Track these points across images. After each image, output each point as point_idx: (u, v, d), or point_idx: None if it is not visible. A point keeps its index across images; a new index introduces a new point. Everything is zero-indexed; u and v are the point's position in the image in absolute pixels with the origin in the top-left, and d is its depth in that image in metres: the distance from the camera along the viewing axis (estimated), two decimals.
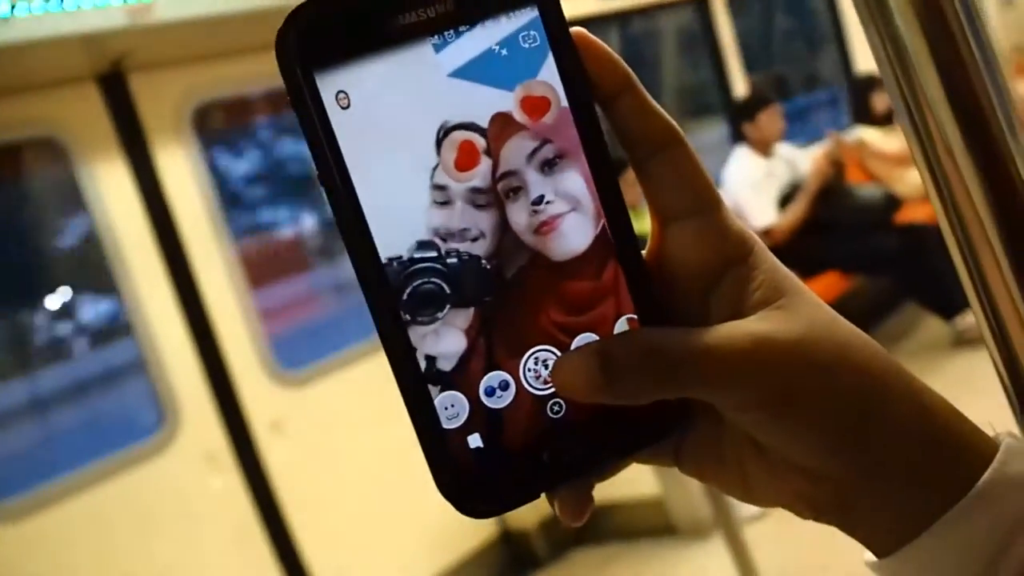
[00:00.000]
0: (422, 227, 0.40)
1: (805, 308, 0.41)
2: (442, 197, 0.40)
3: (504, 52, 0.41)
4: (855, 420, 0.40)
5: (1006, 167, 0.44)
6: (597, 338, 0.42)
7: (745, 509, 3.58)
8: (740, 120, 4.92)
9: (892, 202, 4.81)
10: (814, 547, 3.38)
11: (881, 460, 0.40)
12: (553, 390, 0.42)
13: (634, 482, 3.71)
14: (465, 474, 0.41)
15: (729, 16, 5.59)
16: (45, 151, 3.42)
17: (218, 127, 4.14)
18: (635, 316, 0.42)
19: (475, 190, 0.41)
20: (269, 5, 3.28)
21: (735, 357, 0.39)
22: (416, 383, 0.41)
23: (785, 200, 4.75)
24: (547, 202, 0.41)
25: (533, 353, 0.42)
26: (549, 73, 0.41)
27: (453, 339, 0.41)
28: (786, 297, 0.41)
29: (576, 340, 0.42)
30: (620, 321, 0.42)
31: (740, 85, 5.54)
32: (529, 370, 0.42)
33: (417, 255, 0.40)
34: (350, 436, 3.76)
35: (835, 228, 4.62)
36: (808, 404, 0.39)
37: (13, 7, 2.69)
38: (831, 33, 6.53)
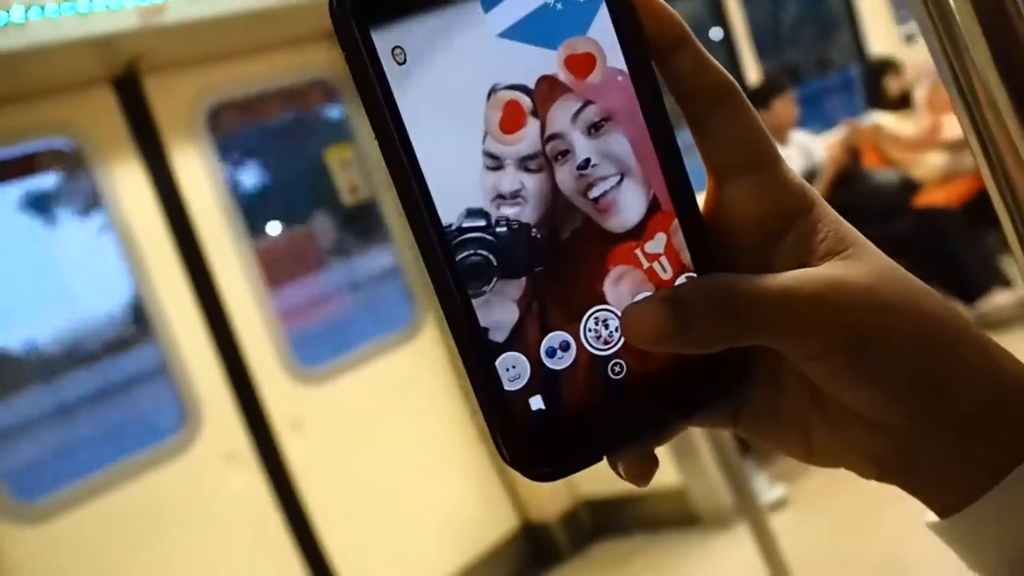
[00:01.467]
0: (475, 190, 0.40)
1: (873, 257, 0.41)
2: (493, 162, 0.40)
3: (555, 9, 0.40)
4: (927, 367, 0.39)
5: None
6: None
7: (768, 496, 3.58)
8: (754, 107, 4.90)
9: (909, 186, 4.78)
10: (839, 535, 3.37)
11: (951, 410, 0.39)
12: (614, 350, 0.41)
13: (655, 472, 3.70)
14: (528, 437, 0.41)
15: (740, 3, 5.56)
16: (60, 154, 3.43)
17: (233, 126, 4.15)
18: (695, 274, 0.42)
19: (525, 154, 0.40)
20: (280, 4, 3.28)
21: (809, 300, 0.38)
22: (477, 345, 0.40)
23: None
24: (593, 165, 0.41)
25: (593, 313, 0.41)
26: (600, 29, 0.41)
27: (506, 306, 0.40)
28: (853, 248, 0.41)
29: (637, 299, 0.41)
30: (680, 279, 0.42)
31: (753, 73, 5.51)
32: (589, 330, 0.41)
33: (466, 224, 0.40)
34: (371, 432, 3.77)
35: (852, 213, 4.50)
36: (881, 348, 0.38)
37: (27, 11, 2.70)
38: (843, 16, 6.49)
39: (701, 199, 0.43)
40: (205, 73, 3.59)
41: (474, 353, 0.40)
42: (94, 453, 3.76)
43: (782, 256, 0.42)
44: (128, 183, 3.34)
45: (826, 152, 4.82)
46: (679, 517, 3.78)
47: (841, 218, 0.42)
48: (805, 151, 4.89)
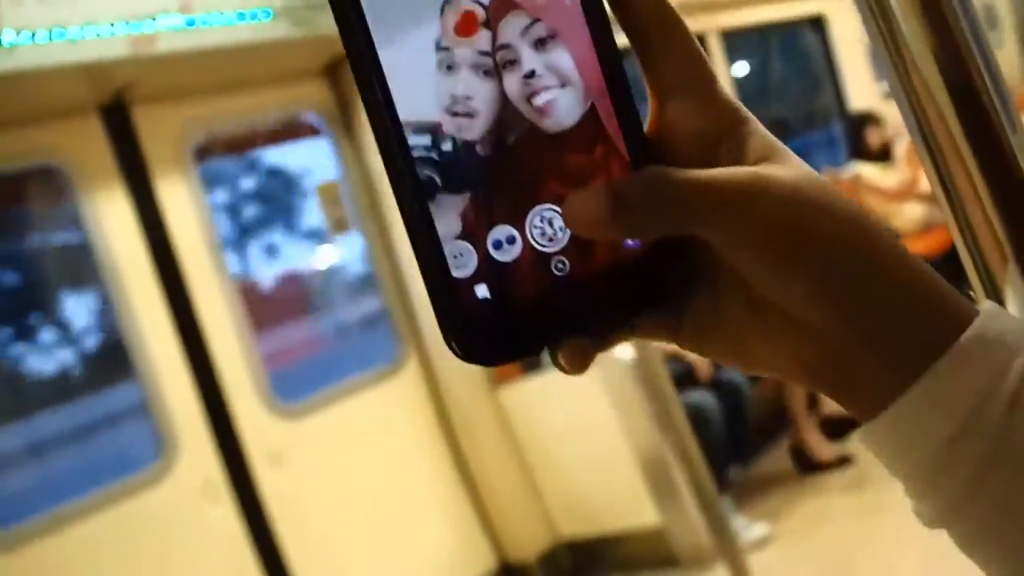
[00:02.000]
0: (431, 92, 0.43)
1: (799, 163, 0.43)
2: (448, 61, 0.43)
3: None
4: (848, 263, 0.41)
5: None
6: None
7: (751, 534, 3.56)
8: None
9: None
10: (821, 572, 3.35)
11: (870, 309, 0.41)
12: (558, 248, 0.44)
13: (634, 513, 3.69)
14: (472, 323, 0.43)
15: (726, 59, 5.67)
16: (47, 179, 3.45)
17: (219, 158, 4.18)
18: None
19: (478, 56, 0.43)
20: (271, 39, 3.33)
21: (738, 190, 0.40)
22: (427, 232, 0.42)
23: None
24: (538, 75, 0.44)
25: (539, 211, 0.44)
26: None
27: (456, 200, 0.43)
28: (781, 155, 0.43)
29: None
30: None
31: None
32: (535, 227, 0.43)
33: (421, 120, 0.43)
34: (347, 468, 3.74)
35: None
36: (806, 241, 0.40)
37: (18, 35, 2.74)
38: (826, 73, 6.62)
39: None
40: (194, 105, 3.63)
41: (424, 239, 0.42)
42: (71, 482, 3.72)
43: (721, 162, 0.44)
44: (112, 212, 3.35)
45: None
46: (658, 558, 3.75)
47: (769, 132, 0.45)
48: None
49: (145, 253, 3.40)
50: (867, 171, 5.30)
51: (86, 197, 3.31)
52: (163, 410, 3.34)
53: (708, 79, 0.45)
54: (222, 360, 3.49)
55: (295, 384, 4.10)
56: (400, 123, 0.42)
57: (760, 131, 0.44)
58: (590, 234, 0.42)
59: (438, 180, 0.43)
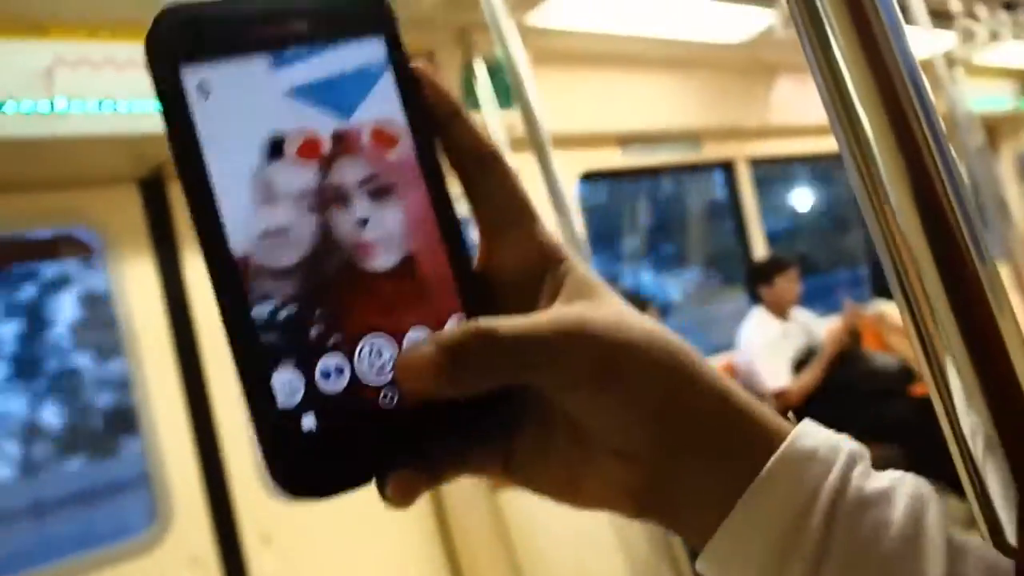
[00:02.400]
0: (258, 219, 0.43)
1: (615, 300, 0.46)
2: (269, 195, 0.44)
3: (348, 76, 0.46)
4: (664, 396, 0.43)
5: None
6: (426, 332, 0.45)
7: None
8: (757, 282, 4.99)
9: (908, 372, 4.80)
10: None
11: (686, 437, 0.43)
12: (386, 379, 0.44)
13: None
14: (296, 454, 0.42)
15: (754, 188, 5.75)
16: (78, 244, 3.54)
17: None
18: (463, 316, 0.46)
19: (302, 193, 0.44)
20: None
21: (557, 334, 0.42)
22: (253, 361, 0.42)
23: (799, 365, 4.76)
24: (370, 218, 0.45)
25: (368, 342, 0.44)
26: (388, 101, 0.46)
27: (285, 328, 0.43)
28: (598, 293, 0.46)
29: (409, 333, 0.45)
30: (451, 320, 0.46)
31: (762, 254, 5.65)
32: (364, 358, 0.44)
33: (255, 252, 0.43)
34: (339, 554, 3.68)
35: (849, 393, 4.60)
36: (624, 378, 0.42)
37: (70, 103, 2.86)
38: (856, 214, 6.68)
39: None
40: None
41: (250, 368, 0.42)
42: (63, 544, 3.70)
43: (540, 302, 0.46)
44: (138, 280, 3.42)
45: (827, 333, 4.88)
46: None
47: (590, 270, 0.47)
48: (805, 329, 4.94)
49: (165, 324, 3.45)
50: (890, 309, 5.29)
51: (114, 264, 3.38)
52: (162, 480, 3.34)
53: (530, 218, 0.48)
54: (227, 436, 3.50)
55: None
56: (230, 253, 0.42)
57: (579, 269, 0.47)
58: (426, 394, 0.42)
59: (270, 306, 0.43)
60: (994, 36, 4.68)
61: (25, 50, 2.71)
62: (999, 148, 6.98)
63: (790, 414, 0.46)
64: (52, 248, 3.52)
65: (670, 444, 0.43)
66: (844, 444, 0.44)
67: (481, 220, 0.48)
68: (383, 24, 0.47)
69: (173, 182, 3.50)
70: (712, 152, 5.49)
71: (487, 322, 0.42)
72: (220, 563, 3.39)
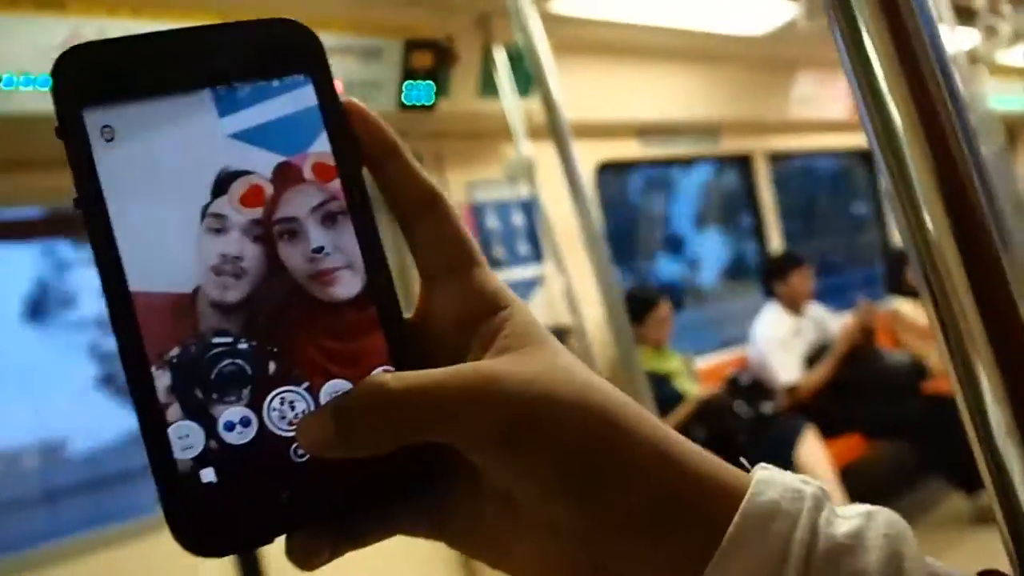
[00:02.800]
0: (183, 259, 0.41)
1: (547, 353, 0.42)
2: (217, 225, 0.41)
3: (279, 116, 0.43)
4: (587, 460, 0.39)
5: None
6: (347, 384, 0.42)
7: None
8: (771, 278, 4.98)
9: (920, 369, 4.78)
10: None
11: (620, 508, 0.38)
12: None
13: None
14: (194, 509, 0.40)
15: (770, 182, 5.73)
16: None
17: None
18: (391, 368, 0.43)
19: (251, 223, 0.42)
20: None
21: (458, 392, 0.39)
22: (151, 408, 0.40)
23: (812, 360, 4.75)
24: (325, 253, 0.43)
25: (279, 393, 0.42)
26: (316, 140, 0.44)
27: (186, 374, 0.41)
28: (531, 345, 0.42)
29: (327, 385, 0.42)
30: (376, 371, 0.43)
31: (778, 249, 5.63)
32: (274, 410, 0.41)
33: (156, 290, 0.41)
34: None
35: (861, 390, 4.59)
36: (538, 440, 0.39)
37: None
38: (872, 211, 6.65)
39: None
40: None
41: (147, 414, 0.40)
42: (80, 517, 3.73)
43: (471, 353, 0.43)
44: None
45: (840, 329, 4.87)
46: None
47: (535, 322, 0.44)
48: (819, 324, 4.94)
49: None
50: (904, 307, 5.28)
51: None
52: None
53: (470, 263, 0.45)
54: None
55: None
56: (128, 295, 0.40)
57: (520, 319, 0.43)
58: (322, 455, 0.40)
59: (168, 352, 0.41)
60: (1018, 36, 4.64)
61: (43, 25, 2.71)
62: (1017, 148, 6.93)
63: (743, 461, 0.42)
64: (64, 226, 3.54)
65: (599, 516, 0.38)
66: (806, 489, 0.40)
67: (420, 264, 0.45)
68: (311, 59, 0.44)
69: None
70: (731, 145, 5.47)
71: (379, 378, 0.39)
72: None
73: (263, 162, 0.43)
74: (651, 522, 0.39)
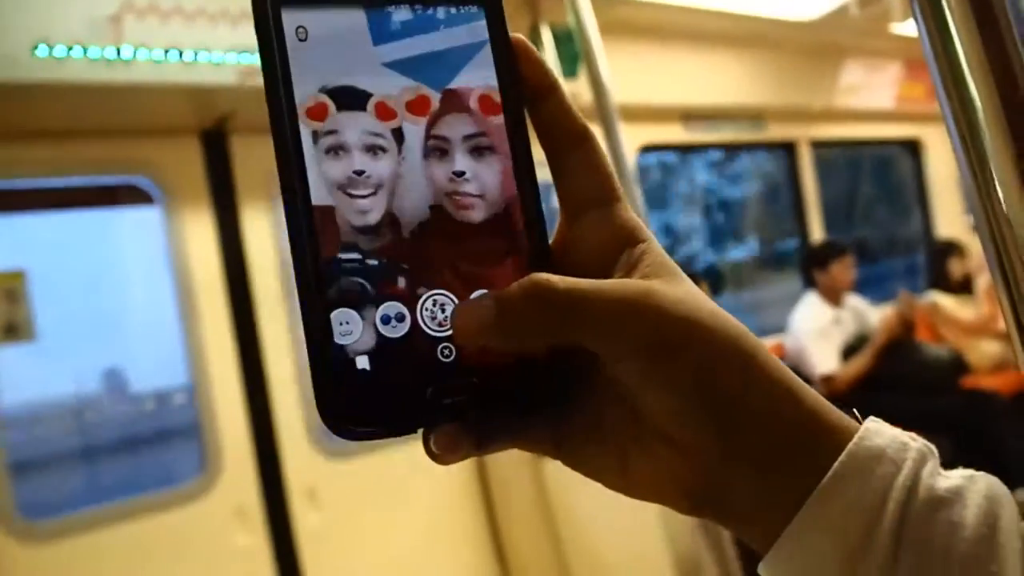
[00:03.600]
0: (336, 171, 0.44)
1: (685, 281, 0.44)
2: (352, 145, 0.44)
3: (445, 42, 0.46)
4: (730, 380, 0.41)
5: None
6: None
7: None
8: (812, 267, 4.93)
9: (959, 364, 4.72)
10: None
11: (749, 430, 0.41)
12: (446, 333, 0.44)
13: None
14: (346, 392, 0.42)
15: (815, 171, 5.67)
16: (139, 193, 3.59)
17: None
18: None
19: (385, 145, 0.45)
20: None
21: (618, 301, 0.41)
22: (315, 295, 0.43)
23: (849, 351, 4.70)
24: (465, 175, 0.46)
25: (432, 295, 0.44)
26: (484, 69, 0.47)
27: (352, 267, 0.43)
28: (670, 275, 0.44)
29: (476, 293, 0.45)
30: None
31: (818, 238, 5.58)
32: (426, 310, 0.44)
33: (326, 198, 0.43)
34: (383, 514, 3.73)
35: (899, 383, 4.54)
36: (682, 355, 0.41)
37: (136, 51, 2.89)
38: (916, 200, 6.57)
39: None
40: None
41: (312, 302, 0.43)
42: (112, 487, 3.78)
43: (615, 277, 0.45)
44: (196, 233, 3.46)
45: (880, 321, 4.81)
46: None
47: (665, 254, 0.46)
48: (858, 315, 4.88)
49: (220, 277, 3.49)
50: (945, 301, 5.21)
51: (172, 213, 3.43)
52: (213, 430, 3.40)
53: (611, 197, 0.47)
54: (277, 392, 3.55)
55: None
56: (308, 189, 0.43)
57: (655, 250, 0.46)
58: (475, 342, 0.42)
59: (341, 250, 0.43)
60: None
61: None
62: None
63: (855, 411, 0.44)
64: (113, 195, 3.57)
65: (729, 436, 0.41)
66: (912, 442, 0.42)
67: (564, 195, 0.48)
68: None
69: (235, 135, 3.53)
70: (775, 132, 5.41)
71: (546, 276, 0.42)
72: (265, 516, 3.45)
73: (419, 84, 0.45)
74: (772, 451, 0.41)
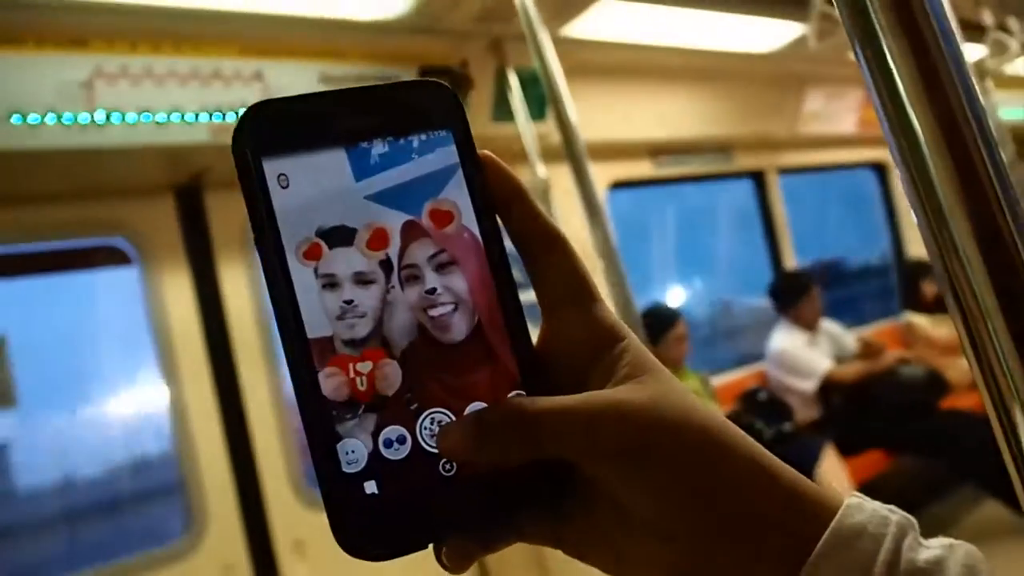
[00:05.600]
0: (326, 304, 0.47)
1: (660, 381, 0.47)
2: (340, 278, 0.47)
3: (418, 173, 0.49)
4: (700, 474, 0.44)
5: None
6: (487, 405, 0.48)
7: None
8: (780, 300, 4.97)
9: (936, 382, 4.76)
10: None
11: (727, 516, 0.43)
12: None
13: None
14: (358, 517, 0.46)
15: (782, 197, 5.74)
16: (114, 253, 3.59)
17: None
18: (523, 392, 0.49)
19: (370, 275, 0.48)
20: None
21: (589, 416, 0.44)
22: (321, 428, 0.46)
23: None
24: (438, 293, 0.48)
25: (429, 414, 0.47)
26: (457, 187, 0.49)
27: (352, 399, 0.47)
28: (647, 374, 0.47)
29: (469, 408, 0.48)
30: (511, 394, 0.48)
31: (791, 265, 5.63)
32: (425, 428, 0.47)
33: (320, 334, 0.46)
34: (371, 565, 3.68)
35: (878, 406, 4.57)
36: (656, 458, 0.44)
37: (108, 115, 2.91)
38: (885, 222, 6.65)
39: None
40: None
41: (318, 434, 0.46)
42: (95, 550, 3.74)
43: (594, 380, 0.48)
44: (174, 290, 3.46)
45: (856, 344, 4.86)
46: None
47: (646, 352, 0.49)
48: (834, 340, 4.92)
49: (199, 332, 3.49)
50: (919, 321, 5.26)
51: (149, 272, 3.43)
52: (197, 487, 3.37)
53: (589, 297, 0.50)
54: (260, 444, 3.53)
55: None
56: (303, 326, 0.46)
57: (634, 348, 0.49)
58: (459, 460, 0.46)
59: (338, 380, 0.46)
60: None
61: (66, 63, 2.75)
62: None
63: (843, 490, 0.46)
64: (90, 257, 3.57)
65: (708, 522, 0.43)
66: (892, 515, 0.45)
67: (543, 298, 0.50)
68: (453, 117, 0.50)
69: (209, 190, 3.55)
70: (743, 162, 5.48)
71: (519, 400, 0.45)
72: (253, 571, 3.42)
73: (402, 213, 0.48)
74: (747, 531, 0.43)
